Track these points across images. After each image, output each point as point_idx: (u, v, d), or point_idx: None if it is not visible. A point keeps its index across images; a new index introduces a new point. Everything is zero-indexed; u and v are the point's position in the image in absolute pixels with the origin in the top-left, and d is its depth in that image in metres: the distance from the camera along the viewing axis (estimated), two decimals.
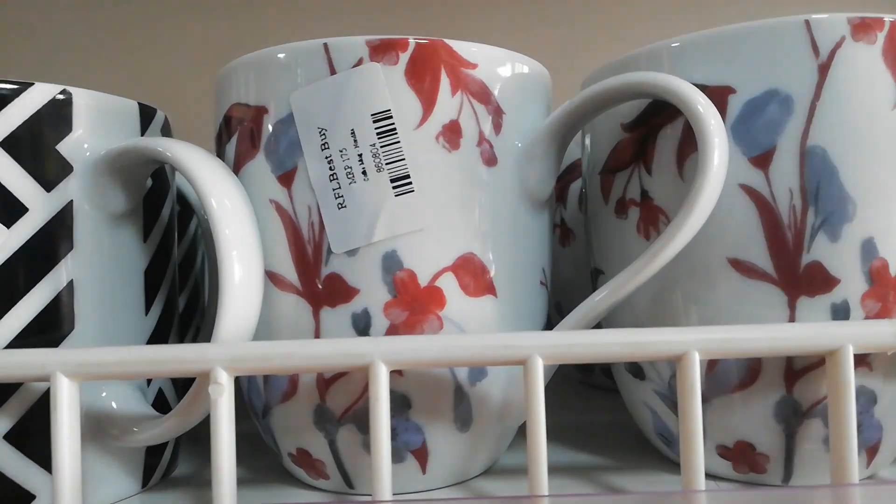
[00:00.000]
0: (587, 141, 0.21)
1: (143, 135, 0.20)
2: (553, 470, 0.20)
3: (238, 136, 0.18)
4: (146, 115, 0.20)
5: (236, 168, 0.18)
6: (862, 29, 0.17)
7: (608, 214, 0.20)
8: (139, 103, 0.20)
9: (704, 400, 0.18)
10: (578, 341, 0.16)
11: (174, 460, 0.21)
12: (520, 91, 0.19)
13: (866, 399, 0.17)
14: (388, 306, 0.17)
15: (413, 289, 0.17)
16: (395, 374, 0.17)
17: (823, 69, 0.17)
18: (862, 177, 0.17)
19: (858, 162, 0.17)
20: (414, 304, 0.17)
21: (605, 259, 0.20)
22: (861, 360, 0.17)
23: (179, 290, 0.23)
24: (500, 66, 0.18)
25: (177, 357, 0.16)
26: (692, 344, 0.16)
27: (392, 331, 0.17)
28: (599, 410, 0.27)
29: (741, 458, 0.18)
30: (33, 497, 0.17)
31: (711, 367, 0.18)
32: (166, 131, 0.21)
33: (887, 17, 0.17)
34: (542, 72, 0.20)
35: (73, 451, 0.16)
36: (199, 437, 0.21)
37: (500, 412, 0.19)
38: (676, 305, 0.18)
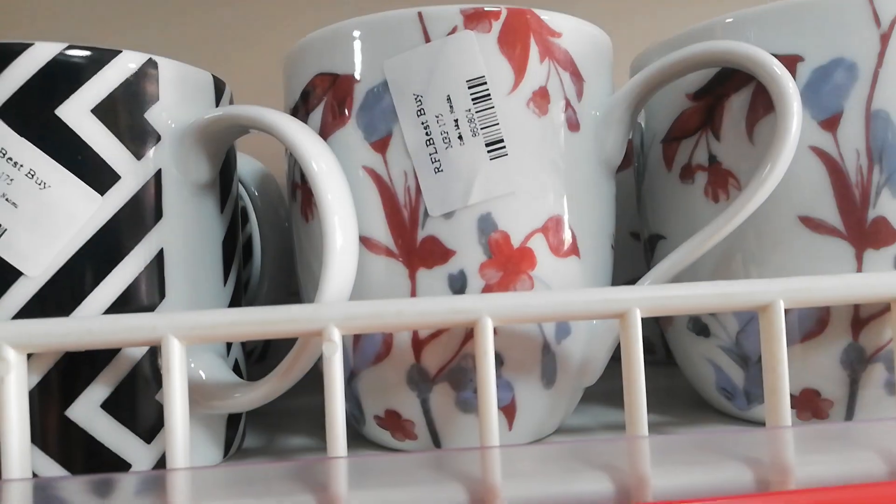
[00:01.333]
0: (643, 113, 0.22)
1: (217, 106, 0.20)
2: (620, 427, 0.21)
3: (325, 105, 0.19)
4: (219, 88, 0.20)
5: (323, 137, 0.19)
6: None
7: (671, 181, 0.21)
8: (213, 75, 0.20)
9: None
10: (673, 293, 0.17)
11: (245, 433, 0.22)
12: (597, 59, 0.19)
13: None
14: (483, 267, 0.18)
15: (507, 250, 0.18)
16: None
17: (885, 38, 0.18)
18: None
19: None
20: (508, 265, 0.18)
21: (666, 224, 0.21)
22: None
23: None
24: (580, 35, 0.19)
25: (289, 317, 0.16)
26: (778, 294, 0.17)
27: (487, 290, 0.18)
28: (659, 377, 0.28)
29: (806, 405, 0.20)
30: (129, 465, 0.17)
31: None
32: (232, 104, 0.21)
33: None
34: (608, 41, 0.20)
35: (184, 415, 0.16)
36: (258, 412, 0.21)
37: (579, 370, 0.20)
38: (743, 264, 0.19)
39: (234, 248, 0.21)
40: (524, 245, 0.18)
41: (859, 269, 0.18)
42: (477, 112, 0.17)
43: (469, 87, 0.17)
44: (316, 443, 0.21)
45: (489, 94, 0.18)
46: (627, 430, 0.16)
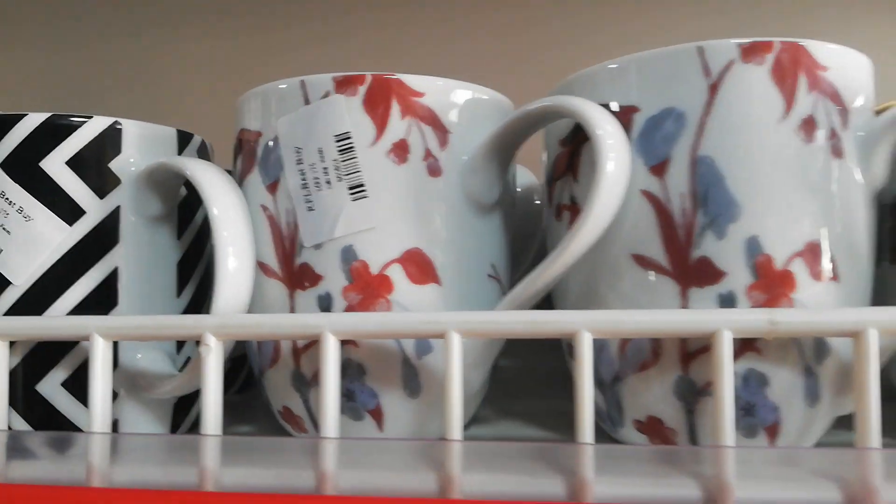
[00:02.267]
0: (543, 155, 0.24)
1: (178, 155, 0.25)
2: None
3: (243, 154, 0.23)
4: (183, 140, 0.25)
5: (241, 180, 0.23)
6: (752, 51, 0.19)
7: (551, 217, 0.23)
8: (177, 130, 0.25)
9: (619, 378, 0.21)
10: (487, 319, 0.19)
11: (198, 419, 0.26)
12: (466, 113, 0.22)
13: (757, 381, 0.19)
14: (345, 290, 0.21)
15: (366, 276, 0.21)
16: (352, 345, 0.21)
17: (713, 89, 0.19)
18: (747, 182, 0.19)
19: (744, 170, 0.19)
20: (367, 289, 0.21)
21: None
22: (749, 345, 0.19)
23: None
24: (446, 94, 0.22)
25: (181, 324, 0.21)
26: (582, 324, 0.19)
27: (349, 310, 0.21)
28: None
29: (653, 432, 0.21)
30: (81, 430, 0.23)
31: (622, 348, 0.21)
32: (203, 153, 0.27)
33: (776, 40, 0.19)
34: (493, 95, 0.23)
35: (105, 393, 0.21)
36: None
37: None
38: (592, 297, 0.21)
39: (192, 267, 0.26)
40: (382, 273, 0.21)
41: (684, 306, 0.19)
42: (342, 161, 0.21)
43: (336, 141, 0.21)
44: (252, 428, 0.26)
45: (353, 147, 0.21)
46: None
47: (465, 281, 0.22)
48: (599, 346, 0.21)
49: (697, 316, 0.18)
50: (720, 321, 0.18)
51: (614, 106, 0.20)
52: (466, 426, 0.24)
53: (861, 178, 0.20)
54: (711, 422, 0.20)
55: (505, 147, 0.22)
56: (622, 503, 0.14)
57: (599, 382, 0.22)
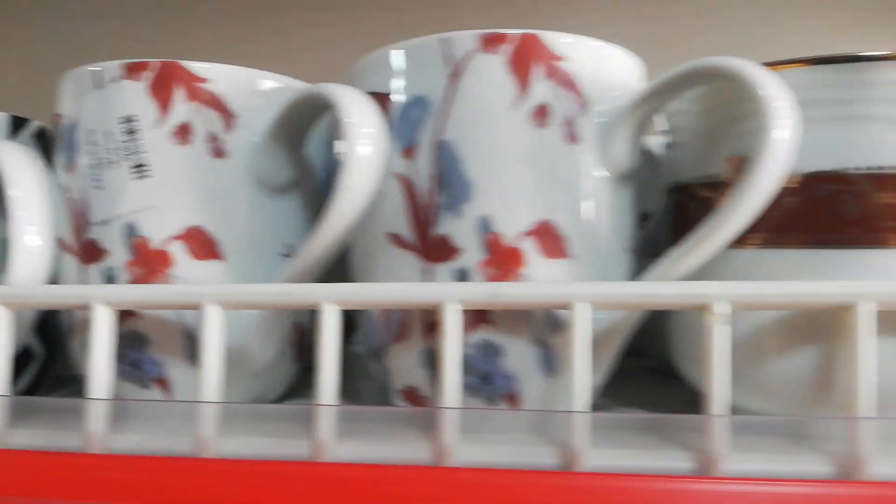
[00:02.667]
0: None
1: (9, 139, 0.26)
2: None
3: (56, 137, 0.25)
4: (17, 125, 0.27)
5: (53, 162, 0.25)
6: (490, 42, 0.20)
7: None
8: (11, 115, 0.27)
9: (383, 349, 0.22)
10: (246, 291, 0.20)
11: None
12: (248, 97, 0.23)
13: (492, 351, 0.21)
14: (129, 265, 0.22)
15: (145, 252, 0.22)
16: (133, 315, 0.22)
17: (454, 77, 0.20)
18: (482, 165, 0.20)
19: (480, 153, 0.20)
20: (147, 264, 0.22)
21: None
22: (482, 317, 0.20)
23: None
24: (230, 79, 0.23)
25: None
26: (325, 297, 0.20)
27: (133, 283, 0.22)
28: None
29: (412, 400, 0.22)
30: None
31: (385, 322, 0.22)
32: (42, 138, 0.28)
33: (513, 31, 0.20)
34: (286, 81, 0.24)
35: None
36: None
37: (236, 357, 0.23)
38: (363, 273, 0.22)
39: None
40: (161, 248, 0.22)
41: (427, 281, 0.21)
42: (125, 143, 0.22)
43: (120, 123, 0.22)
44: None
45: (137, 129, 0.22)
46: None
47: (249, 258, 0.23)
48: (367, 319, 0.23)
49: (426, 289, 0.19)
50: (445, 294, 0.19)
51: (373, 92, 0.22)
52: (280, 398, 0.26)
53: (600, 163, 0.21)
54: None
55: (292, 130, 0.23)
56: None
57: (373, 353, 0.23)
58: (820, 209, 0.19)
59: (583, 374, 0.19)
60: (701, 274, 0.21)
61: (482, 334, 0.21)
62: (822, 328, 0.19)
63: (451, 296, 0.19)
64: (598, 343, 0.21)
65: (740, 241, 0.21)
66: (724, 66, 0.19)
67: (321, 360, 0.20)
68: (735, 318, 0.21)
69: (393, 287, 0.20)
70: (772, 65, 0.19)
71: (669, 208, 0.24)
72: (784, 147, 0.18)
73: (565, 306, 0.19)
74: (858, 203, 0.19)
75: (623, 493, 0.16)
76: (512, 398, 0.21)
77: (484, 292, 0.19)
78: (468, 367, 0.21)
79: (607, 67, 0.21)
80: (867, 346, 0.18)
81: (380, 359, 0.23)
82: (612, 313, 0.21)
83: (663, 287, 0.19)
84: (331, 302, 0.20)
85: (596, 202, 0.21)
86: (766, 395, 0.21)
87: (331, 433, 0.19)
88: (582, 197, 0.21)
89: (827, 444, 0.18)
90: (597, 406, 0.24)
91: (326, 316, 0.20)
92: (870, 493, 0.16)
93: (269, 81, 0.24)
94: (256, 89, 0.23)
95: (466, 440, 0.18)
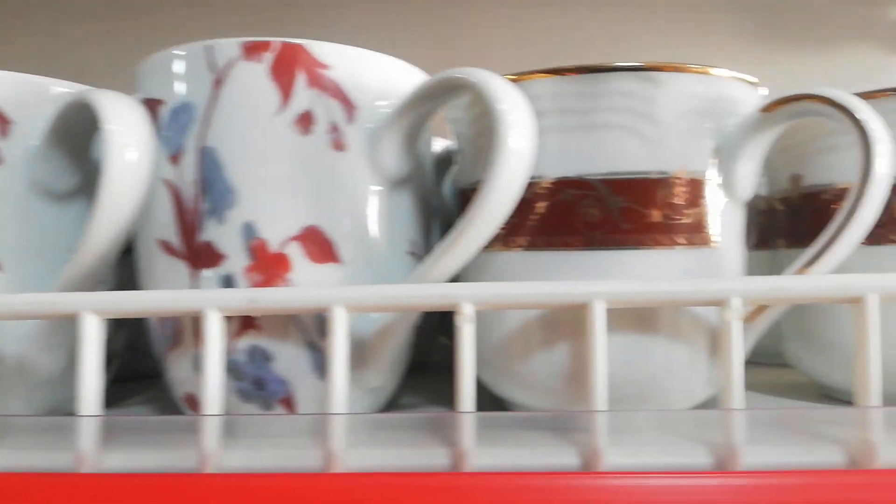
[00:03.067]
0: None
1: None
2: None
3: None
4: None
5: None
6: (252, 50, 0.20)
7: None
8: None
9: (162, 356, 0.22)
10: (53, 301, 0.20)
11: None
12: (30, 105, 0.23)
13: (261, 357, 0.21)
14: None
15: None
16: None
17: (217, 84, 0.20)
18: (245, 172, 0.20)
19: (243, 160, 0.20)
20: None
21: None
22: (250, 323, 0.21)
23: None
24: (8, 85, 0.22)
25: None
26: (85, 306, 0.19)
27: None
28: None
29: (196, 407, 0.22)
30: None
31: (161, 328, 0.22)
32: None
33: (276, 40, 0.21)
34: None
35: None
36: None
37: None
38: (140, 280, 0.22)
39: None
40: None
41: (194, 287, 0.21)
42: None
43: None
44: None
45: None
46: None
47: (27, 266, 0.23)
48: (152, 327, 0.22)
49: (186, 296, 0.19)
50: (204, 301, 0.19)
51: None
52: None
53: (371, 169, 0.21)
54: (229, 399, 0.21)
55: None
56: None
57: (157, 361, 0.23)
58: (567, 213, 0.20)
59: (341, 374, 0.19)
60: (476, 276, 0.22)
61: (250, 340, 0.21)
62: (577, 325, 0.20)
63: (211, 302, 0.19)
64: (370, 344, 0.22)
65: (506, 244, 0.22)
66: (464, 78, 0.19)
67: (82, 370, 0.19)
68: (502, 317, 0.22)
69: (153, 295, 0.20)
70: (518, 75, 0.20)
71: (455, 213, 0.24)
72: (516, 157, 0.19)
73: (324, 310, 0.19)
74: (598, 207, 0.20)
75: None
76: (287, 402, 0.21)
77: (243, 298, 0.19)
78: (239, 372, 0.21)
79: (376, 76, 0.22)
80: (600, 342, 0.19)
81: (162, 366, 0.23)
82: (385, 315, 0.21)
83: (415, 289, 0.19)
84: (90, 311, 0.20)
85: (368, 207, 0.21)
86: (531, 389, 0.22)
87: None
88: (352, 202, 0.21)
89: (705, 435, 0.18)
90: (392, 404, 0.25)
91: (87, 325, 0.19)
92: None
93: (46, 90, 0.23)
94: (36, 98, 0.23)
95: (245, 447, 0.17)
